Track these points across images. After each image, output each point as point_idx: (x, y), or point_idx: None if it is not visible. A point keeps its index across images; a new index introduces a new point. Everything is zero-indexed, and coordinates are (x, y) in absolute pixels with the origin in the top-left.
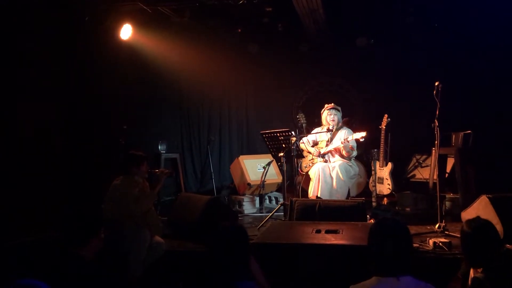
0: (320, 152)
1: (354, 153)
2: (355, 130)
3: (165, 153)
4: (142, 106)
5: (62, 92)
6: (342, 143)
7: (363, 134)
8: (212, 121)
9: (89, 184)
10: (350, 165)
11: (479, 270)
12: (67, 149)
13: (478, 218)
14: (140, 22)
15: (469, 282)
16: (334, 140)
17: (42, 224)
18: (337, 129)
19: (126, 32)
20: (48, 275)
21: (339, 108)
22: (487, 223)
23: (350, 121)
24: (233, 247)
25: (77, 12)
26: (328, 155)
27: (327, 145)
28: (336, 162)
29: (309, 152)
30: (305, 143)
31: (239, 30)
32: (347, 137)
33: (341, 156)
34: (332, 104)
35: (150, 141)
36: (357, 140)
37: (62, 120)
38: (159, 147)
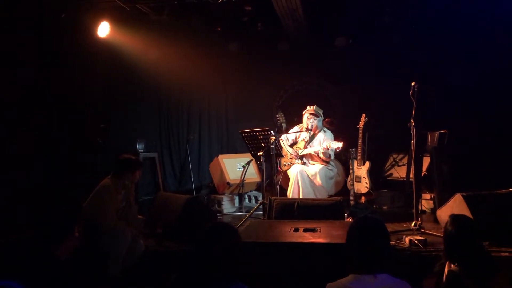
0: (298, 153)
1: (331, 157)
2: (335, 130)
3: (143, 152)
4: (120, 104)
5: (38, 90)
6: (322, 153)
7: (340, 145)
8: (191, 120)
9: (65, 183)
10: (330, 169)
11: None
12: (42, 148)
13: (462, 216)
14: (118, 20)
15: (444, 279)
16: (313, 142)
17: (16, 224)
18: (317, 131)
19: (103, 29)
20: (23, 276)
21: (320, 113)
22: (470, 221)
23: (332, 122)
24: (226, 245)
25: (53, 8)
26: (306, 158)
27: (305, 146)
28: (316, 165)
29: (289, 152)
30: (284, 140)
31: (219, 29)
32: (326, 146)
33: (319, 159)
34: (314, 107)
35: (128, 140)
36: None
37: (37, 119)
38: (137, 146)
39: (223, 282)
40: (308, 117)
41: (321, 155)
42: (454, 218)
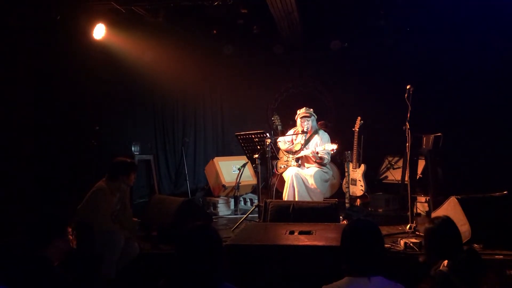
0: (294, 150)
1: (326, 160)
2: (329, 133)
3: (139, 154)
4: (115, 107)
5: (32, 92)
6: (312, 153)
7: (334, 146)
8: (186, 122)
9: (59, 185)
10: (325, 172)
11: (445, 264)
12: (36, 150)
13: (441, 216)
14: (114, 22)
15: None
16: (309, 145)
17: (9, 227)
18: (313, 133)
19: (99, 32)
20: (13, 279)
21: (312, 113)
22: (447, 219)
23: (325, 124)
24: (203, 248)
25: (48, 10)
26: (302, 160)
27: (301, 149)
28: (311, 168)
29: (287, 152)
30: (281, 142)
31: (214, 32)
32: (318, 150)
33: (316, 161)
34: (304, 110)
35: (123, 142)
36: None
37: (31, 121)
38: (132, 149)
39: (210, 283)
40: (302, 120)
41: (315, 158)
42: (434, 217)
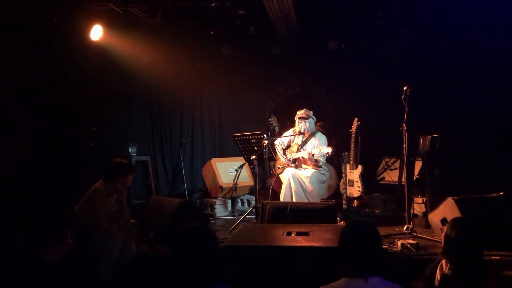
0: (290, 161)
1: (322, 163)
2: (327, 134)
3: (136, 155)
4: (112, 108)
5: (30, 94)
6: (308, 154)
7: (329, 150)
8: (184, 123)
9: (57, 187)
10: (322, 173)
11: (446, 268)
12: (34, 152)
13: (465, 220)
14: (111, 23)
15: (436, 283)
16: (306, 146)
17: (5, 228)
18: (311, 135)
19: (96, 33)
20: (12, 281)
21: (311, 115)
22: (473, 226)
23: (324, 125)
24: (200, 249)
25: (45, 11)
26: (299, 162)
27: (298, 150)
28: (308, 170)
29: (282, 159)
30: (278, 145)
31: (212, 32)
32: (314, 152)
33: (312, 163)
34: (304, 111)
35: (120, 143)
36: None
37: (29, 122)
38: (130, 150)
39: (204, 284)
40: (300, 121)
41: (308, 160)
42: (457, 222)
